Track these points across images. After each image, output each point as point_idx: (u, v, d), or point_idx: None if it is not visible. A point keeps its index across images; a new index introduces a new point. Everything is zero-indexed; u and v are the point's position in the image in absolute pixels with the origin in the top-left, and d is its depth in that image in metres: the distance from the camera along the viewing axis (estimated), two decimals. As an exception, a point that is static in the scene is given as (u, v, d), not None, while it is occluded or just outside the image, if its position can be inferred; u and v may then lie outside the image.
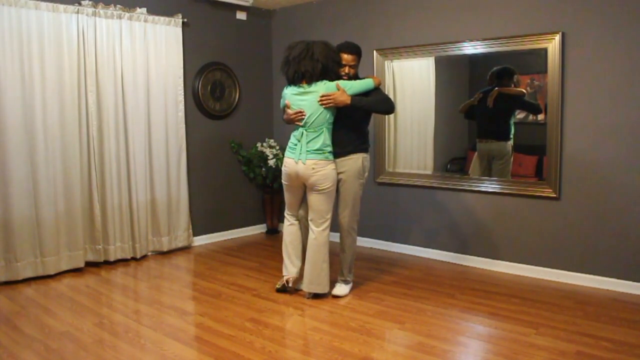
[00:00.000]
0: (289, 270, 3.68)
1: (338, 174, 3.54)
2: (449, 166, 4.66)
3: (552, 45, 3.81)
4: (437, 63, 4.52)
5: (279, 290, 3.74)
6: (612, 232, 3.71)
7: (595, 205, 3.77)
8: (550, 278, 3.98)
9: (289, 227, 3.71)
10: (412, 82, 4.75)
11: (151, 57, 4.66)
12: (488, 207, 4.30)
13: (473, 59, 4.36)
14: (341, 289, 3.68)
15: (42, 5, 3.97)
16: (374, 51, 4.83)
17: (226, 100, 5.37)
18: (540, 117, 4.02)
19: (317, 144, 3.42)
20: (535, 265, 4.07)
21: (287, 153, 3.55)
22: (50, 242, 4.12)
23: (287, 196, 3.68)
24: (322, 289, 3.58)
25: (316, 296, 3.62)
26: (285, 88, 3.58)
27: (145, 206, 4.72)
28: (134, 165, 4.61)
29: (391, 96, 4.81)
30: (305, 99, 3.42)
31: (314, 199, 3.51)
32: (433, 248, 4.67)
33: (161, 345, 2.91)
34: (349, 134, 3.57)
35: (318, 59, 3.35)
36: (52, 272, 4.12)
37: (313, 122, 3.41)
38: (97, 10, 4.28)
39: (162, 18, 4.69)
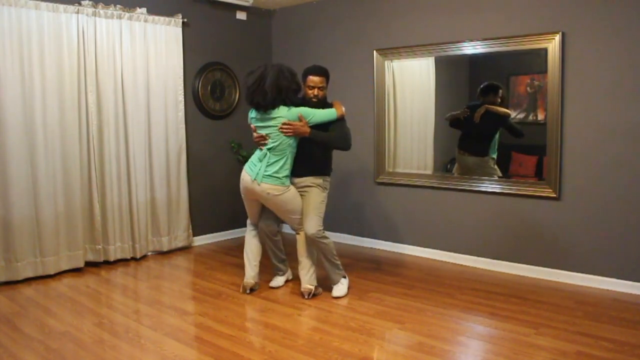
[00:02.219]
0: (248, 274, 3.77)
1: (303, 187, 3.61)
2: (448, 166, 4.66)
3: (552, 45, 3.81)
4: (437, 63, 4.52)
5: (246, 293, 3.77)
6: (612, 232, 3.71)
7: (595, 205, 3.77)
8: (550, 278, 3.98)
9: (249, 234, 3.83)
10: (412, 82, 4.75)
11: (151, 57, 4.66)
12: (488, 207, 4.30)
13: (473, 59, 4.36)
14: (339, 289, 3.69)
15: (42, 5, 3.97)
16: (374, 51, 4.83)
17: (226, 100, 5.37)
18: (540, 117, 4.02)
19: (275, 169, 3.46)
20: (535, 265, 4.07)
21: (246, 167, 3.59)
22: (50, 242, 4.12)
23: (246, 207, 3.78)
24: (315, 281, 3.67)
25: (316, 295, 3.63)
26: (250, 111, 3.60)
27: (145, 206, 4.72)
28: (134, 165, 4.61)
29: (391, 96, 4.82)
30: (268, 125, 3.45)
31: (285, 218, 3.65)
32: (433, 248, 4.67)
33: (161, 345, 2.91)
34: (313, 157, 3.60)
35: (267, 90, 3.34)
36: (52, 272, 4.12)
37: (277, 147, 3.45)
38: (97, 10, 4.28)
39: (162, 18, 4.69)
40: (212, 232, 5.37)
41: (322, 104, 3.60)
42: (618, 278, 3.71)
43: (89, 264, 4.42)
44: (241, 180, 3.61)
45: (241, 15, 5.48)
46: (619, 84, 3.61)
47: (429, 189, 4.65)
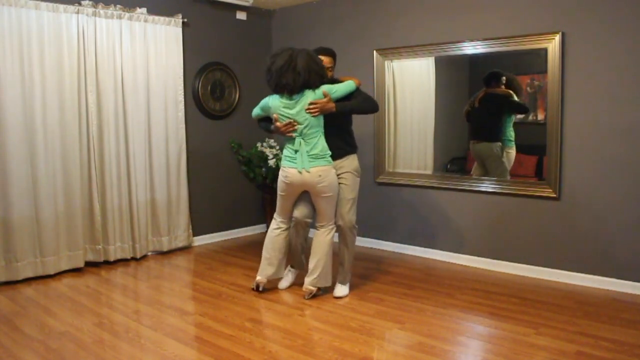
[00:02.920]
0: (265, 272, 3.68)
1: (337, 174, 3.56)
2: (449, 166, 4.66)
3: (552, 45, 3.81)
4: (437, 63, 4.52)
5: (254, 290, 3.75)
6: (612, 232, 3.71)
7: (595, 205, 3.77)
8: (550, 278, 3.98)
9: (276, 231, 3.72)
10: (412, 82, 4.75)
11: (151, 57, 4.66)
12: (488, 207, 4.30)
13: (473, 59, 4.36)
14: (343, 289, 3.69)
15: (42, 5, 3.97)
16: (374, 51, 4.83)
17: (226, 100, 5.37)
18: (540, 117, 4.02)
19: (317, 150, 3.43)
20: (535, 265, 4.07)
21: (286, 163, 3.52)
22: (50, 242, 4.12)
23: (281, 203, 3.68)
24: (328, 282, 3.62)
25: (316, 296, 3.63)
26: (268, 98, 3.54)
27: (145, 206, 4.72)
28: (134, 165, 4.61)
29: (391, 96, 4.82)
30: (294, 111, 3.40)
31: (323, 204, 3.53)
32: (433, 248, 4.67)
33: (161, 345, 2.91)
34: (339, 137, 3.60)
35: (300, 72, 3.31)
36: (52, 272, 4.12)
37: (307, 130, 3.41)
38: (97, 10, 4.28)
39: (162, 18, 4.69)
40: (212, 232, 5.37)
41: (331, 83, 3.58)
42: (618, 278, 3.70)
43: (89, 264, 4.41)
44: (283, 178, 3.52)
45: (241, 15, 5.48)
46: (619, 84, 3.61)
47: (429, 189, 4.65)
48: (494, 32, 4.10)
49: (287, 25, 5.62)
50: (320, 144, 3.44)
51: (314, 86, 3.40)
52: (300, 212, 3.66)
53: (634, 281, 3.64)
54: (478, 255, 4.38)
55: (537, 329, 3.08)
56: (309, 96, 3.39)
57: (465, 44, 4.27)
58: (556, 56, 3.80)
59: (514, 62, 4.15)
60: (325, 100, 3.40)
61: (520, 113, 4.17)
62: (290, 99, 3.40)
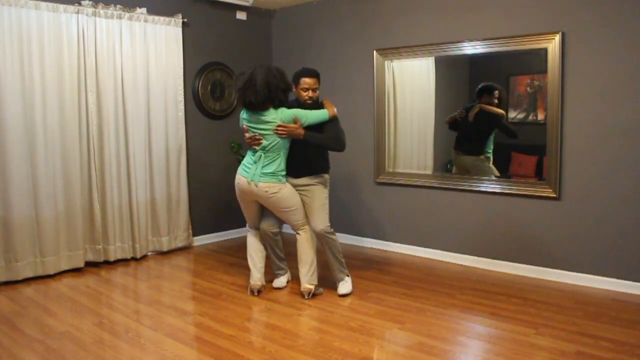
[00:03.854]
0: (255, 277, 3.76)
1: (303, 186, 3.62)
2: (448, 166, 4.66)
3: (552, 45, 3.81)
4: (437, 63, 4.52)
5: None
6: (612, 232, 3.71)
7: (595, 205, 3.77)
8: (550, 278, 3.98)
9: (250, 238, 3.84)
10: (412, 82, 4.75)
11: (151, 57, 4.66)
12: (488, 207, 4.30)
13: (473, 59, 4.36)
14: (345, 286, 3.70)
15: (42, 5, 3.97)
16: (374, 51, 4.83)
17: (226, 100, 5.37)
18: (540, 117, 4.02)
19: (272, 168, 3.51)
20: (535, 265, 4.07)
21: (240, 170, 3.62)
22: (50, 242, 4.12)
23: (244, 211, 3.79)
24: (315, 280, 3.68)
25: (315, 295, 3.63)
26: (242, 112, 3.64)
27: (145, 206, 4.72)
28: (134, 165, 4.61)
29: (391, 96, 4.82)
30: (261, 127, 3.48)
31: (283, 216, 3.66)
32: (433, 248, 4.67)
33: (161, 345, 2.91)
34: (315, 154, 3.64)
35: (259, 89, 3.38)
36: (52, 272, 4.13)
37: (271, 147, 3.49)
38: (97, 10, 4.28)
39: (162, 18, 4.69)
40: (212, 232, 5.37)
41: (316, 104, 3.65)
42: (618, 278, 3.71)
43: (89, 264, 4.42)
44: (236, 184, 3.64)
45: (241, 15, 5.48)
46: (619, 84, 3.61)
47: (429, 189, 4.65)
48: (494, 32, 4.10)
49: (287, 25, 5.62)
50: (277, 164, 3.52)
51: (277, 101, 3.47)
52: (264, 222, 3.76)
53: (634, 281, 3.64)
54: (478, 255, 4.38)
55: (537, 329, 3.08)
56: (274, 116, 3.46)
57: (465, 44, 4.27)
58: (556, 56, 3.80)
59: (514, 62, 4.15)
60: (294, 125, 3.48)
61: (510, 137, 4.23)
62: (257, 115, 3.49)
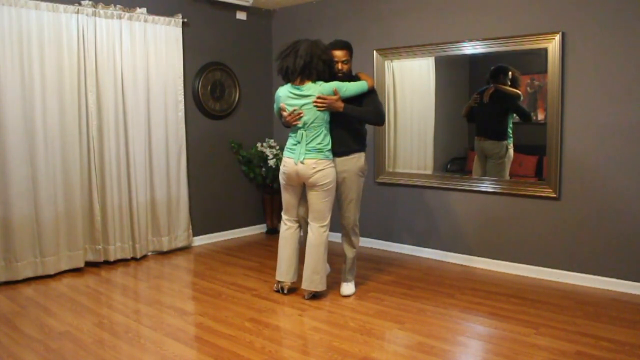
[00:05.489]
0: (285, 276, 3.66)
1: (339, 172, 3.54)
2: (449, 166, 4.66)
3: (552, 45, 3.81)
4: (437, 63, 4.52)
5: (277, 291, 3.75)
6: (612, 232, 3.71)
7: (595, 205, 3.77)
8: (550, 278, 3.98)
9: (287, 232, 3.68)
10: (412, 82, 4.75)
11: (151, 57, 4.66)
12: (488, 207, 4.30)
13: (473, 59, 4.36)
14: (349, 287, 3.70)
15: (42, 5, 3.97)
16: (374, 51, 4.83)
17: (226, 100, 5.37)
18: (541, 117, 4.02)
19: (316, 142, 3.43)
20: (535, 265, 4.07)
21: (286, 153, 3.55)
22: (50, 242, 4.12)
23: (285, 197, 3.67)
24: (321, 287, 3.58)
25: (315, 296, 3.62)
26: (278, 90, 3.57)
27: (145, 206, 4.72)
28: (134, 165, 4.61)
29: (391, 96, 4.82)
30: (300, 102, 3.41)
31: (314, 197, 3.50)
32: (433, 248, 4.67)
33: (161, 345, 2.91)
34: (348, 133, 3.56)
35: (301, 55, 3.34)
36: (52, 272, 4.12)
37: (312, 123, 3.41)
38: (97, 10, 4.28)
39: (162, 18, 4.69)
40: (212, 232, 5.37)
41: (349, 77, 3.56)
42: (618, 278, 3.71)
43: (89, 264, 4.41)
44: (282, 167, 3.55)
45: (241, 15, 5.48)
46: (619, 84, 3.61)
47: (429, 189, 4.65)
48: (494, 32, 4.10)
49: (287, 25, 5.62)
50: (320, 139, 3.44)
51: (314, 72, 3.39)
52: (303, 208, 3.67)
53: (634, 281, 3.64)
54: (478, 255, 4.38)
55: (537, 329, 3.08)
56: (315, 90, 3.39)
57: (465, 44, 4.27)
58: (556, 56, 3.80)
59: (514, 62, 4.15)
60: (334, 97, 3.39)
61: (523, 118, 4.17)
62: (295, 89, 3.42)
